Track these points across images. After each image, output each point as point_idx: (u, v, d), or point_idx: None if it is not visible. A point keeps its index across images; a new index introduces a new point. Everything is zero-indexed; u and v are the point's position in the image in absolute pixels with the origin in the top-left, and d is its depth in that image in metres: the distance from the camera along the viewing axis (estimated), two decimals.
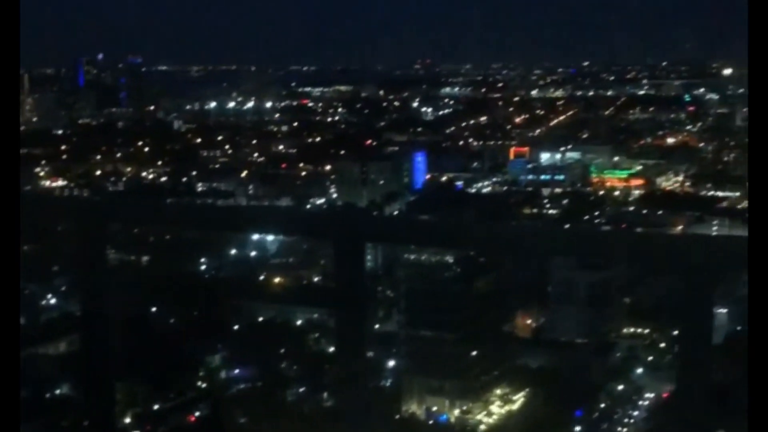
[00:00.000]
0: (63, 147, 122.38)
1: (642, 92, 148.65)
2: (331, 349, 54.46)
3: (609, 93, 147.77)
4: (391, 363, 56.18)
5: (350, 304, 4.81)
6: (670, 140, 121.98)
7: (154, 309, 58.14)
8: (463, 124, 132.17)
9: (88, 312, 4.99)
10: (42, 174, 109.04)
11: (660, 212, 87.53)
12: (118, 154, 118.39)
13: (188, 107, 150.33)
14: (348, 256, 4.73)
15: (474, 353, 55.30)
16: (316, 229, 5.56)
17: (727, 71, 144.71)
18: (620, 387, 54.65)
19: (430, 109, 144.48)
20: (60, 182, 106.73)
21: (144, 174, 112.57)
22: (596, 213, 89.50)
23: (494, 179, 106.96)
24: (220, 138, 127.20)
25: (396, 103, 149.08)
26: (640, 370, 55.95)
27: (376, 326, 63.02)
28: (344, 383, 4.91)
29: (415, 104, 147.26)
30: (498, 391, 54.54)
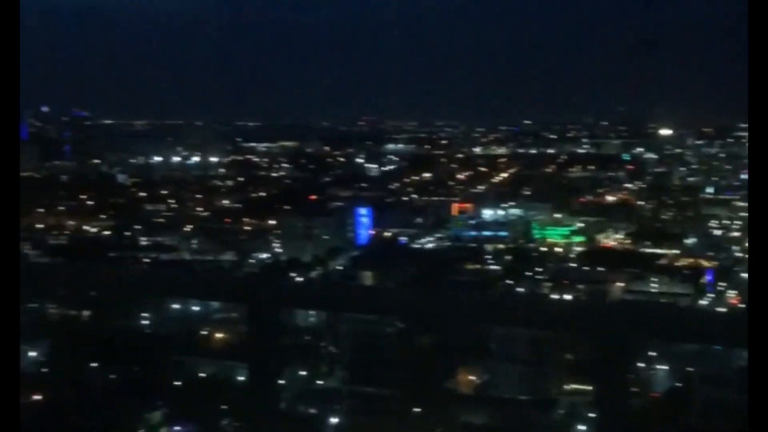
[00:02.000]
0: None
1: (582, 150, 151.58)
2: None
3: (550, 151, 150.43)
4: (334, 420, 55.88)
5: (263, 365, 5.20)
6: (610, 198, 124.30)
7: (93, 365, 57.23)
8: (407, 180, 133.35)
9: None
10: None
11: (601, 269, 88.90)
12: (61, 208, 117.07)
13: (133, 161, 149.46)
14: (261, 321, 5.12)
15: (417, 409, 55.22)
16: (235, 295, 5.94)
17: (665, 131, 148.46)
18: None
19: (374, 165, 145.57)
20: None
21: (87, 227, 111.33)
22: (538, 269, 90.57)
23: (438, 235, 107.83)
24: (164, 192, 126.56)
25: (341, 159, 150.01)
26: (582, 427, 56.39)
27: (319, 382, 62.79)
28: None
29: (360, 160, 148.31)
30: None
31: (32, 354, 58.89)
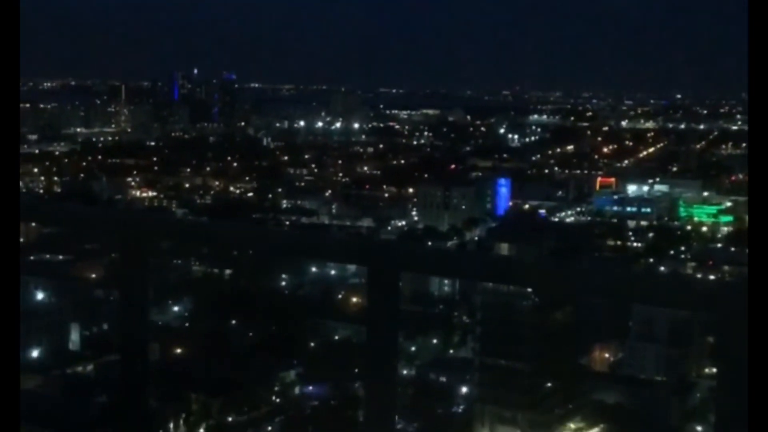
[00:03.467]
0: (155, 158, 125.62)
1: (735, 128, 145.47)
2: (405, 371, 54.59)
3: (701, 127, 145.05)
4: (464, 390, 55.88)
5: (382, 331, 4.97)
6: None
7: (233, 322, 59.11)
8: (550, 152, 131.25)
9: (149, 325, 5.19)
10: (133, 184, 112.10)
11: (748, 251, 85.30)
12: (208, 168, 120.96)
13: (278, 125, 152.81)
14: (380, 286, 4.89)
15: (548, 385, 54.59)
16: (355, 257, 5.75)
17: None
18: (699, 428, 53.27)
19: (516, 136, 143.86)
20: (150, 193, 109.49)
21: (231, 189, 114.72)
22: (682, 248, 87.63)
23: (578, 209, 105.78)
24: (306, 157, 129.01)
25: (482, 129, 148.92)
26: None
27: (450, 351, 62.85)
28: (372, 408, 5.03)
29: (502, 131, 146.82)
30: (572, 426, 53.69)
31: (176, 309, 61.48)
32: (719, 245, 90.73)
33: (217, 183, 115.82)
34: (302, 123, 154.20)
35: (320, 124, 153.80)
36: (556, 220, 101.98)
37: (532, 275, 4.47)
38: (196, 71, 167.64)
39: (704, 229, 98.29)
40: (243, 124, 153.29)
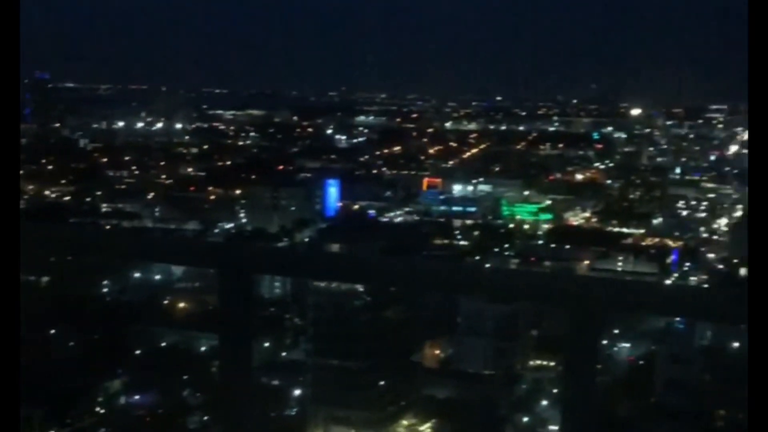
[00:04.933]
0: None
1: (552, 129, 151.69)
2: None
3: (521, 128, 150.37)
4: (297, 392, 55.27)
5: (234, 335, 4.59)
6: (579, 176, 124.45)
7: (52, 332, 56.00)
8: (377, 153, 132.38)
9: None
10: None
11: (567, 247, 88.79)
12: (20, 172, 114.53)
13: (95, 126, 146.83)
14: (232, 288, 4.49)
15: (381, 383, 54.82)
16: (204, 259, 5.36)
17: (635, 111, 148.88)
18: (525, 419, 54.82)
19: (344, 137, 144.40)
20: None
21: (47, 193, 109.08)
22: (506, 246, 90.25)
23: (407, 209, 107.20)
24: (127, 158, 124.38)
25: (310, 130, 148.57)
26: (545, 402, 56.24)
27: (283, 354, 62.06)
28: (230, 411, 4.73)
29: (329, 131, 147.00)
30: (405, 422, 54.11)
31: None
32: (540, 242, 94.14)
33: (30, 187, 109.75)
34: (121, 124, 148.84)
35: (141, 124, 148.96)
36: (386, 220, 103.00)
37: (369, 271, 4.32)
38: None
39: (526, 226, 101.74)
40: (58, 125, 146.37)
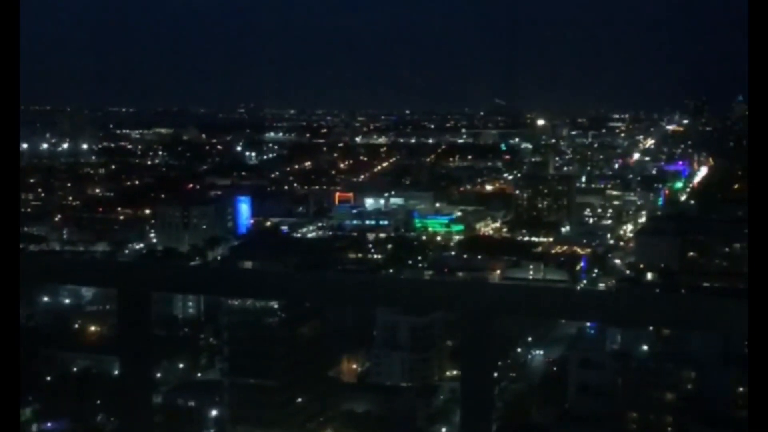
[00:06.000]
0: None
1: (461, 140, 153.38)
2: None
3: (430, 141, 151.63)
4: (214, 412, 54.66)
5: (133, 355, 4.63)
6: (489, 187, 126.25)
7: None
8: (288, 168, 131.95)
9: None
10: None
11: (479, 257, 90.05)
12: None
13: None
14: (131, 307, 4.53)
15: (299, 400, 54.64)
16: (103, 279, 5.29)
17: (540, 122, 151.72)
18: (444, 430, 55.28)
19: (254, 154, 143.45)
20: None
21: None
22: (419, 257, 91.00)
23: (320, 224, 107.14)
24: (32, 181, 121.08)
25: (219, 147, 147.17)
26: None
27: (198, 375, 61.32)
28: None
29: (239, 148, 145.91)
30: None
31: None
32: (453, 253, 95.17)
33: None
34: (25, 145, 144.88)
35: (45, 146, 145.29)
36: (298, 235, 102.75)
37: (281, 286, 4.35)
38: None
39: (438, 238, 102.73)
40: None
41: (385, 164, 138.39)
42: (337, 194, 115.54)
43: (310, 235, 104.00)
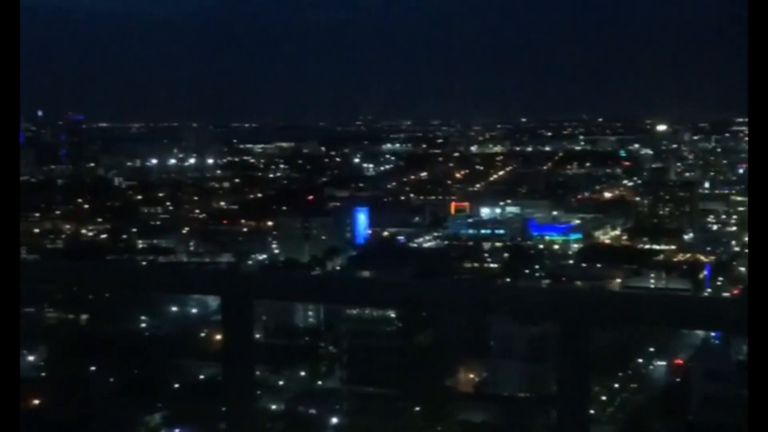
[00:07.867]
0: None
1: (578, 148, 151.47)
2: (274, 406, 54.14)
3: (546, 148, 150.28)
4: (334, 420, 55.85)
5: (238, 361, 4.93)
6: (607, 194, 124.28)
7: (93, 368, 57.23)
8: (404, 179, 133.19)
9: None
10: None
11: (598, 265, 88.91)
12: (57, 212, 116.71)
13: (129, 164, 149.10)
14: (234, 314, 4.86)
15: (416, 409, 55.23)
16: (207, 287, 5.61)
17: (661, 127, 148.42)
18: None
19: (371, 165, 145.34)
20: None
21: (84, 231, 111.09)
22: (536, 266, 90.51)
23: (435, 234, 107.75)
24: (160, 194, 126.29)
25: (337, 159, 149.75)
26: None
27: (319, 382, 62.75)
28: None
29: (357, 160, 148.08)
30: None
31: (30, 359, 59.00)
32: (571, 261, 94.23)
33: (68, 226, 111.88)
34: (154, 161, 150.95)
35: (173, 161, 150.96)
36: (415, 245, 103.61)
37: (396, 295, 4.49)
38: (40, 113, 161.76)
39: (555, 246, 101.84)
40: (93, 164, 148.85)
41: (501, 173, 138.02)
42: (453, 204, 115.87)
43: (426, 245, 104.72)
